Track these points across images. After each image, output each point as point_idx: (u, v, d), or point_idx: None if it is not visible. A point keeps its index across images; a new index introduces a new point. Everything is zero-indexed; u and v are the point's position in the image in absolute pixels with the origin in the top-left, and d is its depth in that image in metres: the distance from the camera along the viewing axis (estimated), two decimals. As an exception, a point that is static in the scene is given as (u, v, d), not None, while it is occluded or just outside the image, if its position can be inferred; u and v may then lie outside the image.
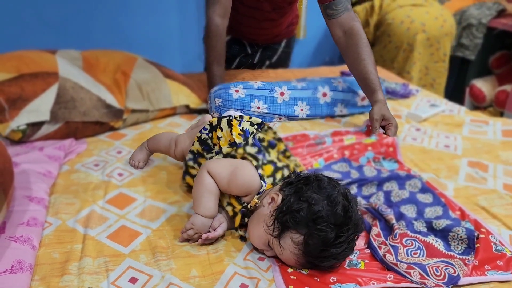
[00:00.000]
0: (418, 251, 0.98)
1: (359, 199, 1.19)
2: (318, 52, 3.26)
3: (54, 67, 1.47)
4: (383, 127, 1.53)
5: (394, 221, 1.06)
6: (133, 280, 0.91)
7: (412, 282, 0.88)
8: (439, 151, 1.52)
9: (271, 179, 1.03)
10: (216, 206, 1.04)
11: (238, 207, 1.04)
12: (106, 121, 1.51)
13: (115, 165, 1.34)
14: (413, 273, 0.90)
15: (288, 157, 1.17)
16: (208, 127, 1.16)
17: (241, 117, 1.17)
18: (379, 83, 1.55)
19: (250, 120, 1.16)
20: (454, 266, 0.92)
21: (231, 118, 1.15)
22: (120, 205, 1.15)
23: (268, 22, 1.85)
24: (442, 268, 0.91)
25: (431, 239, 1.01)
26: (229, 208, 1.05)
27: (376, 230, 1.04)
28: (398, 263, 0.93)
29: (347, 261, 0.96)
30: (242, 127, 1.13)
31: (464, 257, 0.95)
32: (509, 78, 3.18)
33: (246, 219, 1.04)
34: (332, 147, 1.44)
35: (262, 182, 1.02)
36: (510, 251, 0.99)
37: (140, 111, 1.60)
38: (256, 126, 1.16)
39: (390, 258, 0.94)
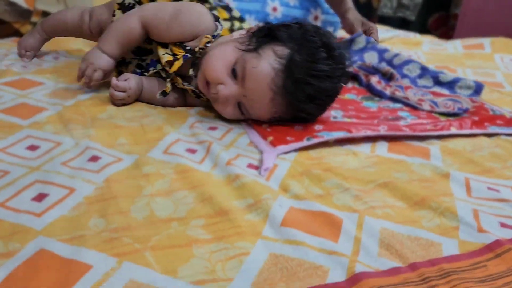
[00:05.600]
0: (424, 95, 0.98)
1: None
2: None
3: None
4: (364, 33, 1.37)
5: (392, 70, 1.04)
6: (32, 148, 0.64)
7: (421, 114, 0.89)
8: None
9: (228, 23, 0.81)
10: (121, 51, 0.83)
11: (182, 53, 0.80)
12: (8, 20, 1.20)
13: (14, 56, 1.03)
14: (423, 104, 0.91)
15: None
16: None
17: None
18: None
19: None
20: (461, 102, 0.87)
21: None
22: (21, 87, 0.87)
23: None
24: (450, 103, 0.89)
25: (437, 89, 1.02)
26: (165, 56, 0.81)
27: (375, 78, 1.01)
28: (410, 97, 0.94)
29: (331, 115, 0.83)
30: None
31: (471, 97, 0.92)
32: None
33: (191, 71, 0.81)
34: None
35: (217, 23, 0.81)
36: (508, 114, 0.87)
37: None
38: None
39: (399, 94, 0.96)
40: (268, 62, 0.71)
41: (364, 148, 0.75)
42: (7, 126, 0.70)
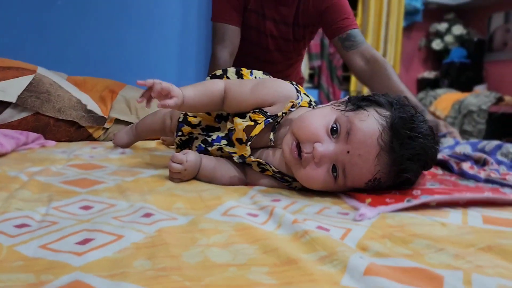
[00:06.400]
0: None
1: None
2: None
3: (34, 67, 1.31)
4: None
5: (485, 156, 0.98)
6: (85, 208, 0.61)
7: None
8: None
9: (307, 98, 0.82)
10: (193, 98, 0.79)
11: (262, 118, 0.79)
12: (84, 125, 1.28)
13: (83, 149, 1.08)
14: None
15: None
16: (209, 79, 0.95)
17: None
18: (415, 100, 1.40)
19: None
20: None
21: (238, 68, 0.96)
22: (85, 168, 0.87)
23: (270, 65, 1.76)
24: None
25: None
26: (245, 121, 0.79)
27: (467, 165, 0.95)
28: (508, 178, 0.86)
29: (428, 184, 0.82)
30: (255, 76, 0.94)
31: None
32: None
33: (272, 135, 0.79)
34: None
35: (298, 94, 0.82)
36: None
37: (125, 124, 1.38)
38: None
39: (495, 176, 0.88)
40: (374, 118, 0.69)
41: (453, 220, 0.64)
42: (65, 192, 0.68)
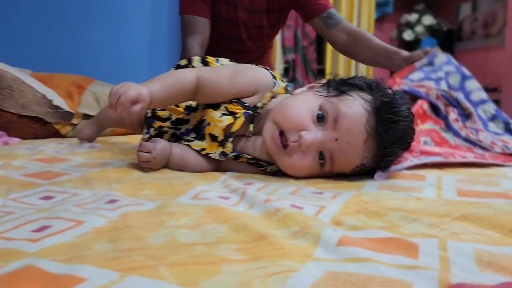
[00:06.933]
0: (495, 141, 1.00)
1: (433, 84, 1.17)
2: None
3: (-6, 63, 1.25)
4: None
5: (472, 109, 1.07)
6: (46, 198, 0.58)
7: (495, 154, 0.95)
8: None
9: (283, 83, 0.81)
10: (162, 96, 0.72)
11: (242, 111, 0.76)
12: (50, 121, 1.23)
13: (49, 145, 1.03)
14: (495, 147, 0.96)
15: None
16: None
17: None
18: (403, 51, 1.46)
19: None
20: None
21: (203, 57, 0.93)
22: (49, 161, 0.83)
23: (242, 55, 1.74)
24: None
25: (507, 138, 1.04)
26: (225, 118, 0.76)
27: (453, 115, 1.05)
28: (482, 139, 0.99)
29: (422, 140, 0.95)
30: (221, 64, 0.91)
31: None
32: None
33: (251, 126, 0.77)
34: None
35: (275, 80, 0.79)
36: None
37: (94, 119, 1.34)
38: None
39: (473, 137, 0.99)
40: (360, 104, 0.68)
41: (428, 194, 0.63)
42: (25, 184, 0.65)
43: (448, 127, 1.04)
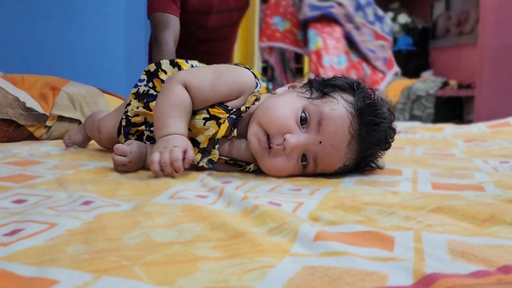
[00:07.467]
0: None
1: None
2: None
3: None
4: None
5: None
6: (18, 201, 0.56)
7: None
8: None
9: (264, 83, 0.79)
10: (185, 124, 0.73)
11: (225, 115, 0.75)
12: (23, 124, 1.20)
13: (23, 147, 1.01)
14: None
15: None
16: (144, 77, 0.89)
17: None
18: None
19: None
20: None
21: (173, 59, 0.91)
22: (22, 165, 0.81)
23: (215, 43, 1.73)
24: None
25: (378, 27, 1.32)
26: (209, 124, 0.75)
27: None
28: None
29: None
30: (191, 64, 0.90)
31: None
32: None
33: (235, 131, 0.75)
34: None
35: (257, 80, 0.78)
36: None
37: (70, 121, 1.31)
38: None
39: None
40: (343, 106, 0.68)
41: (404, 188, 0.64)
42: (-3, 188, 0.63)
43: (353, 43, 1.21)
